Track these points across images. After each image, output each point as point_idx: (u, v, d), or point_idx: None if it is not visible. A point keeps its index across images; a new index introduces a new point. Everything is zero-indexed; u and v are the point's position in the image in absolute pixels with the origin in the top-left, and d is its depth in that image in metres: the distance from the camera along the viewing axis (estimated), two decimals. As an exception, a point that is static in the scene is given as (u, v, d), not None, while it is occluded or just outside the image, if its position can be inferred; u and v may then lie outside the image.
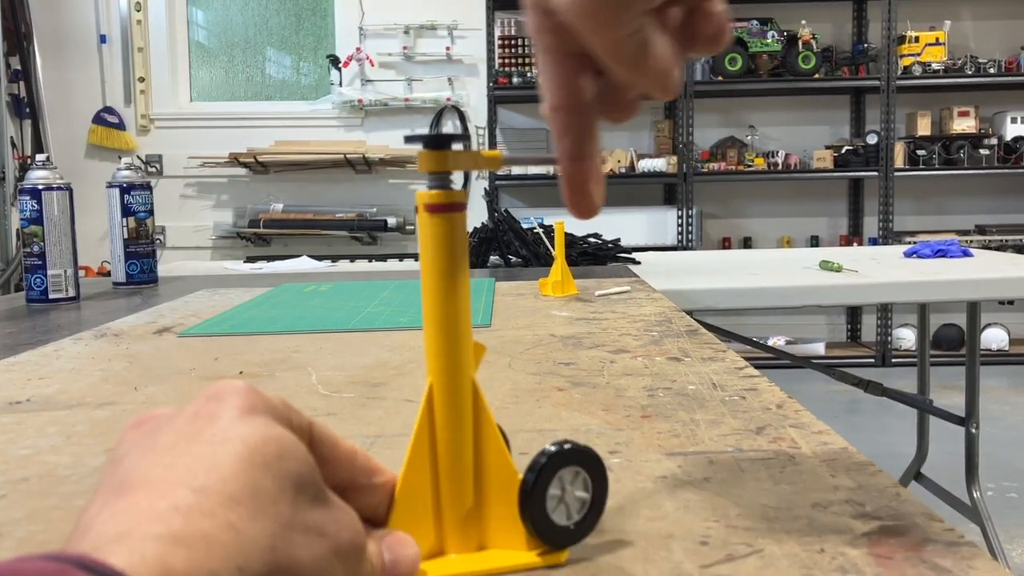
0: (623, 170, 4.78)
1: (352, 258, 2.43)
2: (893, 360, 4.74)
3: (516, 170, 4.72)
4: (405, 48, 4.90)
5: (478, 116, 4.87)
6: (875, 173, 4.79)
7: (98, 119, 4.91)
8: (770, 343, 4.51)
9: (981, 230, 4.92)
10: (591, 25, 0.32)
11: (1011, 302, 4.76)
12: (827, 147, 4.93)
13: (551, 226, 1.70)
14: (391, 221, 4.83)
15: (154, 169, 4.95)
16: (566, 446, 0.37)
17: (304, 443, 0.31)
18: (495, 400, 0.65)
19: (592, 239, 2.04)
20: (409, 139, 0.37)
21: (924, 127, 4.86)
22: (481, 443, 0.37)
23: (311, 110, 5.00)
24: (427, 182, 0.37)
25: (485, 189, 2.20)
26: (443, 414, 0.36)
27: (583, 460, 0.37)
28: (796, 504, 0.42)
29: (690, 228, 4.78)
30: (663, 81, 0.34)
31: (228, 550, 0.26)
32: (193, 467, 0.28)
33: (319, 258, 2.26)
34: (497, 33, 4.82)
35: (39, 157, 1.37)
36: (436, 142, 0.36)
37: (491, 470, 0.37)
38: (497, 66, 4.80)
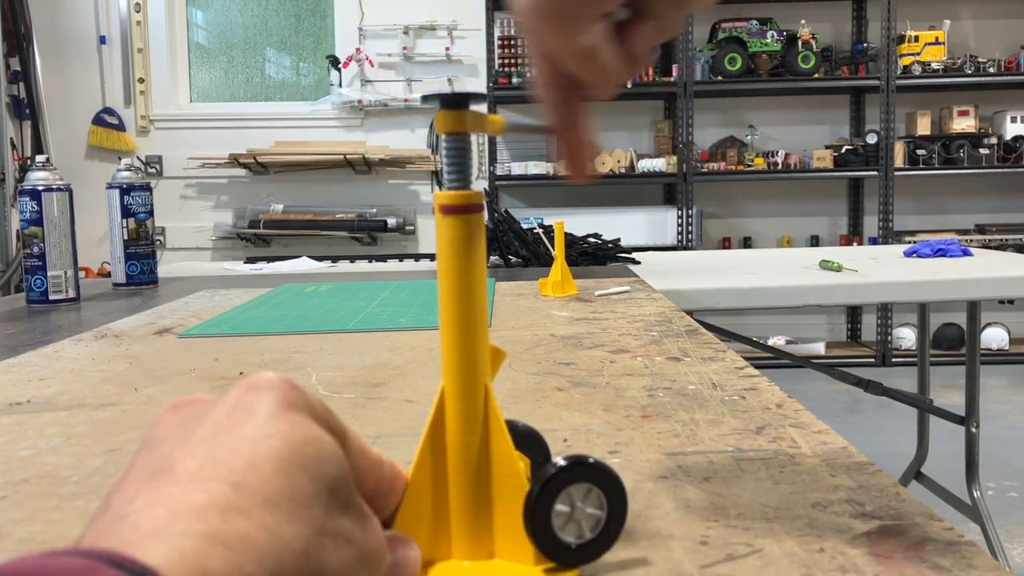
0: (623, 170, 4.78)
1: (352, 258, 2.42)
2: (893, 360, 4.74)
3: (516, 170, 4.71)
4: (405, 48, 4.90)
5: (478, 116, 4.87)
6: (875, 173, 4.79)
7: (98, 120, 4.91)
8: (770, 343, 4.51)
9: (981, 229, 4.92)
10: (546, 27, 0.36)
11: (1011, 301, 4.76)
12: (827, 147, 4.93)
13: (551, 226, 1.70)
14: (391, 221, 4.83)
15: (154, 170, 4.95)
16: (589, 460, 0.35)
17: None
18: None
19: (592, 239, 2.03)
20: (426, 98, 0.37)
21: (924, 126, 4.86)
22: (491, 450, 0.36)
23: (311, 111, 5.00)
24: (443, 148, 0.37)
25: (485, 189, 2.19)
26: (454, 418, 0.36)
27: (598, 478, 0.35)
28: (796, 504, 0.42)
29: (690, 228, 4.77)
30: (605, 81, 0.38)
31: (263, 553, 0.25)
32: (232, 461, 0.27)
33: (319, 259, 2.26)
34: (497, 33, 4.82)
35: (39, 158, 1.37)
36: (454, 101, 0.35)
37: (500, 478, 0.36)
38: (497, 66, 4.80)
